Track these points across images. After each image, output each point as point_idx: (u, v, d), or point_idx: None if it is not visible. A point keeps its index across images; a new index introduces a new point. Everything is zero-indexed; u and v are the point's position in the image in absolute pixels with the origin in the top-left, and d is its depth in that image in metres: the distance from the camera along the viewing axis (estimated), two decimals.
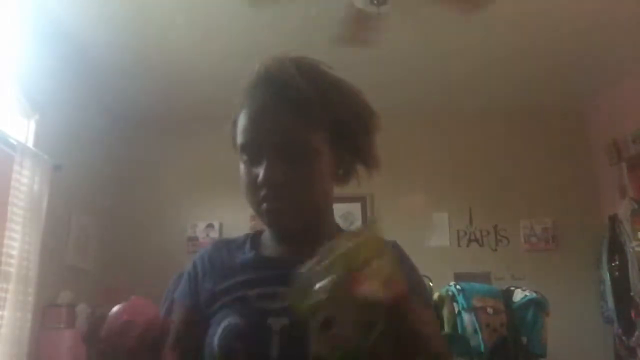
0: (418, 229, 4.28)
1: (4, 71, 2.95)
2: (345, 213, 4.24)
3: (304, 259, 0.80)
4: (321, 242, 0.83)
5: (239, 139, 0.80)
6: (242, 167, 0.81)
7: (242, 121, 0.80)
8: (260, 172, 0.76)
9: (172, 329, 0.76)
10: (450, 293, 2.77)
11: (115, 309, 0.72)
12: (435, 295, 2.79)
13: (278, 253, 0.85)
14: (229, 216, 4.24)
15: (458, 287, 2.78)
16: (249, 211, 0.93)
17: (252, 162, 0.78)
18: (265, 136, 0.77)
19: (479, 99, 4.38)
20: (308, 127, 0.77)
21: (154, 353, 0.72)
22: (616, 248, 3.80)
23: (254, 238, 0.91)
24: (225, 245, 0.91)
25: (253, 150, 0.78)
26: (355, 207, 4.31)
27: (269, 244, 0.88)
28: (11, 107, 3.13)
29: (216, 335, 0.76)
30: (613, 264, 3.81)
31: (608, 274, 3.84)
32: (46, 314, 3.24)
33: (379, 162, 0.85)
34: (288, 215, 0.78)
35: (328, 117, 0.78)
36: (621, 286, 3.68)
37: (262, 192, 0.77)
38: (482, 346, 2.57)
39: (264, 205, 0.78)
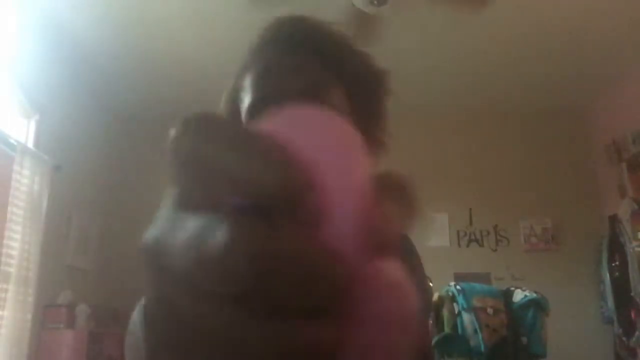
0: (418, 229, 4.27)
1: (4, 71, 2.95)
2: None
3: None
4: None
5: (251, 96, 0.67)
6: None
7: (251, 77, 0.69)
8: None
9: None
10: (450, 293, 2.77)
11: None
12: (435, 296, 2.79)
13: None
14: None
15: (458, 287, 2.78)
16: None
17: None
18: (285, 85, 0.66)
19: (479, 99, 4.38)
20: (327, 79, 0.69)
21: None
22: (616, 248, 3.80)
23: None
24: None
25: (273, 102, 0.62)
26: None
27: None
28: (11, 107, 3.13)
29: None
30: (613, 264, 3.81)
31: (608, 274, 3.84)
32: (46, 314, 3.24)
33: (383, 142, 0.78)
34: None
35: (345, 74, 0.71)
36: (621, 286, 3.68)
37: None
38: (482, 346, 2.57)
39: None
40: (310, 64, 0.68)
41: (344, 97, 0.71)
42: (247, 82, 0.69)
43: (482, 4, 2.75)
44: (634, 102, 3.83)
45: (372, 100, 0.76)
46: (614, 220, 3.86)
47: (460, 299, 2.70)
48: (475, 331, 2.61)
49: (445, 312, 2.73)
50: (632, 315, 3.53)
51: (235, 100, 0.71)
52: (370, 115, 0.76)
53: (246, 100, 0.68)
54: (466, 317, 2.65)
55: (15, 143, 3.02)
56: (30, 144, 3.21)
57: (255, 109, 0.66)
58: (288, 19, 0.72)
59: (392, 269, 0.22)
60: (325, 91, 0.67)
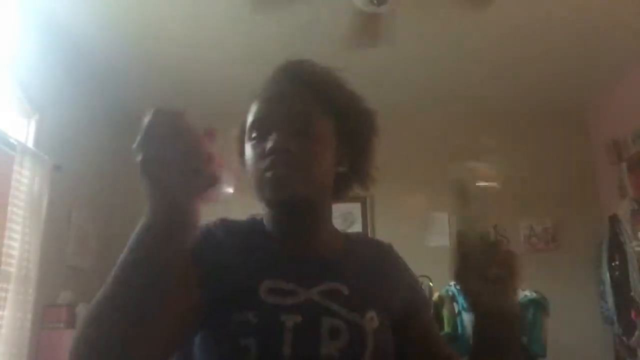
0: (418, 229, 4.28)
1: (4, 71, 2.95)
2: (345, 213, 4.24)
3: (315, 258, 0.82)
4: (328, 242, 0.85)
5: (250, 119, 0.82)
6: (248, 148, 0.81)
7: (254, 106, 0.83)
8: (269, 144, 0.77)
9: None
10: (450, 293, 2.77)
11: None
12: (435, 295, 2.79)
13: (284, 245, 0.83)
14: (228, 216, 4.23)
15: (458, 287, 2.78)
16: (250, 211, 0.93)
17: (261, 138, 0.79)
18: (277, 110, 0.80)
19: (479, 99, 4.38)
20: (318, 110, 0.81)
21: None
22: (616, 248, 3.79)
23: (260, 225, 0.88)
24: (234, 226, 0.86)
25: (263, 126, 0.80)
26: (355, 207, 4.31)
27: (272, 234, 0.86)
28: (11, 107, 3.13)
29: (226, 329, 0.72)
30: (613, 264, 3.81)
31: (608, 274, 3.84)
32: (46, 314, 3.24)
33: (372, 177, 0.89)
34: (292, 184, 0.76)
35: (336, 111, 0.82)
36: (621, 286, 3.68)
37: (269, 159, 0.76)
38: None
39: (269, 173, 0.76)
40: (302, 97, 0.80)
41: (332, 129, 0.82)
42: (251, 108, 0.83)
43: (483, 4, 2.75)
44: (634, 102, 3.83)
45: (361, 137, 0.86)
46: (614, 220, 3.86)
47: (460, 298, 2.71)
48: None
49: (445, 312, 2.73)
50: (632, 315, 3.53)
51: (244, 123, 0.85)
52: (359, 150, 0.86)
53: (248, 121, 0.83)
54: (466, 317, 2.65)
55: (15, 143, 3.02)
56: (30, 144, 3.20)
57: (252, 128, 0.81)
58: (294, 61, 0.84)
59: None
60: (311, 120, 0.80)
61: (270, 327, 0.71)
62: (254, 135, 0.81)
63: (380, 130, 0.89)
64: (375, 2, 2.56)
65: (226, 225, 0.86)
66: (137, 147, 0.62)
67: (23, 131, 3.23)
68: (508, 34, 3.43)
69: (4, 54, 2.93)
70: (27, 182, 2.99)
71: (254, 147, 0.80)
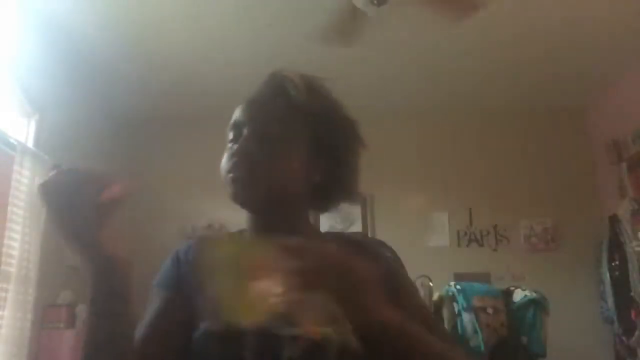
0: (418, 229, 4.29)
1: (4, 71, 2.95)
2: (345, 213, 4.24)
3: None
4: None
5: (232, 119, 0.87)
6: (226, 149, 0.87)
7: (237, 109, 0.88)
8: (235, 146, 0.83)
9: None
10: (450, 293, 2.77)
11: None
12: (435, 296, 2.79)
13: None
14: (229, 216, 4.23)
15: (458, 287, 2.79)
16: None
17: (234, 140, 0.84)
18: (249, 114, 0.84)
19: (478, 99, 4.38)
20: (290, 116, 0.83)
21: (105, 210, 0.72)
22: (616, 248, 3.79)
23: (234, 236, 0.93)
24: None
25: (237, 128, 0.85)
26: (355, 207, 4.31)
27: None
28: (11, 107, 3.13)
29: (195, 339, 0.77)
30: (613, 264, 3.81)
31: (608, 274, 3.84)
32: (46, 314, 3.24)
33: (355, 188, 0.90)
34: (251, 186, 0.80)
35: (312, 120, 0.84)
36: (621, 286, 3.68)
37: (231, 162, 0.82)
38: (482, 346, 2.57)
39: (230, 174, 0.81)
40: (276, 105, 0.84)
41: (305, 138, 0.84)
42: (235, 112, 0.88)
43: (472, 11, 2.75)
44: (634, 102, 3.83)
45: (339, 149, 0.87)
46: (614, 220, 3.86)
47: (460, 298, 2.71)
48: (475, 331, 2.61)
49: (445, 312, 2.73)
50: (632, 315, 3.53)
51: None
52: (337, 162, 0.87)
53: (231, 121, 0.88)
54: (466, 317, 2.65)
55: (15, 143, 3.02)
56: (30, 144, 3.21)
57: (231, 128, 0.86)
58: (281, 71, 0.87)
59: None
60: (279, 126, 0.82)
61: (232, 334, 0.74)
62: (229, 137, 0.85)
63: (363, 141, 0.90)
64: (375, 2, 2.56)
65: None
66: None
67: (23, 131, 3.23)
68: (508, 34, 3.43)
69: (4, 54, 2.93)
70: (27, 182, 2.99)
71: (227, 148, 0.85)
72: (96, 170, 0.76)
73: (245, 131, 0.83)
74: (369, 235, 4.19)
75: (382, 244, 0.92)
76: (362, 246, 0.87)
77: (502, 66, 3.86)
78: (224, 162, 0.84)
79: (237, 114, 0.86)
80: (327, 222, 4.13)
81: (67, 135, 3.57)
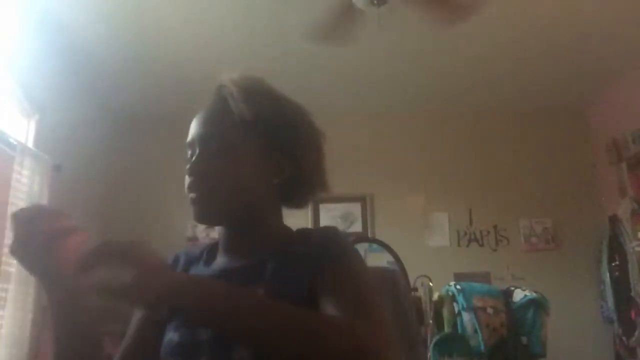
0: (418, 229, 4.29)
1: (4, 71, 2.95)
2: (345, 213, 4.24)
3: (237, 267, 0.83)
4: (259, 248, 0.84)
5: (187, 138, 0.88)
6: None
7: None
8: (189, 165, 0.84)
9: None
10: (450, 293, 2.77)
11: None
12: (435, 295, 2.79)
13: (220, 262, 0.88)
14: None
15: (458, 287, 2.78)
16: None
17: (190, 157, 0.86)
18: (196, 131, 0.86)
19: (479, 99, 4.38)
20: (233, 126, 0.84)
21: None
22: (616, 248, 3.80)
23: (212, 248, 0.93)
24: (185, 256, 0.94)
25: (190, 146, 0.86)
26: (355, 207, 4.31)
27: (218, 255, 0.90)
28: (11, 107, 3.13)
29: (161, 349, 0.81)
30: (613, 264, 3.81)
31: (608, 274, 3.84)
32: (46, 314, 3.24)
33: (324, 180, 0.90)
34: (208, 205, 0.82)
35: (259, 123, 0.84)
36: (621, 286, 3.68)
37: (188, 182, 0.83)
38: (482, 346, 2.57)
39: (190, 195, 0.83)
40: (222, 117, 0.85)
41: (257, 144, 0.84)
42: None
43: (466, 15, 2.76)
44: (634, 102, 3.83)
45: (297, 147, 0.87)
46: (614, 220, 3.86)
47: (460, 298, 2.70)
48: (475, 331, 2.61)
49: (445, 312, 2.72)
50: (632, 315, 3.53)
51: None
52: (298, 158, 0.87)
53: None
54: (466, 317, 2.65)
55: (15, 143, 3.02)
56: (30, 144, 3.21)
57: (188, 146, 0.87)
58: (226, 80, 0.88)
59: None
60: (227, 140, 0.83)
61: (188, 344, 0.77)
62: (188, 154, 0.87)
63: (317, 131, 0.90)
64: (375, 2, 2.56)
65: (176, 257, 0.94)
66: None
67: (23, 131, 3.23)
68: (508, 33, 3.43)
69: (4, 54, 2.93)
70: (27, 182, 2.99)
71: (186, 165, 0.86)
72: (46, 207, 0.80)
73: (197, 149, 0.84)
74: (369, 235, 4.19)
75: (325, 232, 0.89)
76: (307, 236, 0.87)
77: (502, 66, 3.86)
78: (185, 180, 0.85)
79: (190, 131, 0.88)
80: (327, 223, 4.13)
81: (67, 135, 3.57)
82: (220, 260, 0.88)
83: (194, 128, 0.87)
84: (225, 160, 0.83)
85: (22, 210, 0.76)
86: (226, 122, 0.84)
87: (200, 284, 0.66)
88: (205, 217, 0.84)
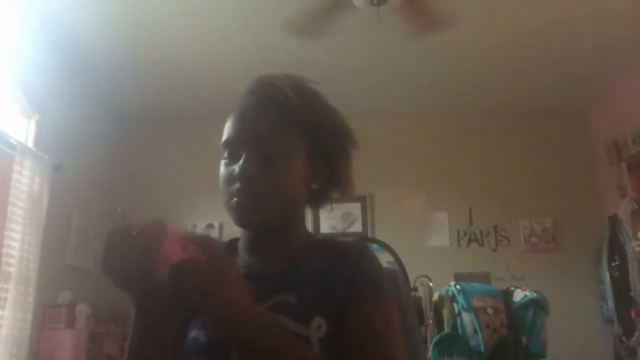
0: (418, 229, 4.28)
1: (4, 71, 2.95)
2: (345, 213, 4.23)
3: (270, 272, 0.82)
4: (289, 253, 0.84)
5: (223, 137, 0.84)
6: (222, 166, 0.84)
7: (228, 122, 0.85)
8: (236, 168, 0.79)
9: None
10: (450, 293, 2.77)
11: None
12: (435, 295, 2.79)
13: (247, 263, 0.85)
14: (229, 216, 4.23)
15: (458, 287, 2.78)
16: None
17: (231, 159, 0.81)
18: (246, 132, 0.81)
19: (479, 99, 4.38)
20: (287, 130, 0.81)
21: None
22: (616, 248, 3.80)
23: (230, 245, 0.91)
24: None
25: (233, 146, 0.82)
26: (356, 207, 4.31)
27: (241, 254, 0.88)
28: (11, 107, 3.13)
29: (186, 347, 0.79)
30: (613, 264, 3.81)
31: (608, 274, 3.84)
32: (46, 314, 3.24)
33: (352, 186, 0.89)
34: (257, 211, 0.79)
35: (307, 128, 0.83)
36: (621, 286, 3.68)
37: (236, 186, 0.79)
38: (482, 346, 2.57)
39: (235, 199, 0.79)
40: (271, 118, 0.81)
41: (303, 148, 0.83)
42: (225, 125, 0.85)
43: (440, 26, 2.81)
44: (634, 102, 3.83)
45: (336, 153, 0.87)
46: (614, 220, 3.86)
47: (460, 298, 2.70)
48: (475, 331, 2.60)
49: (445, 312, 2.72)
50: (632, 315, 3.53)
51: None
52: (334, 166, 0.86)
53: (222, 138, 0.84)
54: (466, 317, 2.64)
55: (15, 143, 3.02)
56: (30, 144, 3.21)
57: (224, 147, 0.83)
58: (267, 77, 0.84)
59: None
60: (278, 144, 0.80)
61: (218, 345, 0.75)
62: (225, 154, 0.83)
63: (355, 139, 0.89)
64: (375, 2, 2.57)
65: None
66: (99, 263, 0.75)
67: (23, 131, 3.24)
68: (508, 34, 3.43)
69: (4, 54, 2.93)
70: (27, 182, 3.00)
71: (225, 166, 0.83)
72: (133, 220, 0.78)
73: (242, 152, 0.80)
74: (369, 235, 4.19)
75: (353, 246, 0.88)
76: (355, 250, 0.85)
77: (502, 66, 3.86)
78: (224, 182, 0.82)
79: (230, 130, 0.83)
80: (327, 222, 4.13)
81: (67, 135, 3.58)
82: (246, 261, 0.86)
83: (236, 128, 0.82)
84: (279, 167, 0.80)
85: (115, 228, 0.76)
86: (277, 122, 0.80)
87: (263, 326, 0.69)
88: (253, 223, 0.82)
